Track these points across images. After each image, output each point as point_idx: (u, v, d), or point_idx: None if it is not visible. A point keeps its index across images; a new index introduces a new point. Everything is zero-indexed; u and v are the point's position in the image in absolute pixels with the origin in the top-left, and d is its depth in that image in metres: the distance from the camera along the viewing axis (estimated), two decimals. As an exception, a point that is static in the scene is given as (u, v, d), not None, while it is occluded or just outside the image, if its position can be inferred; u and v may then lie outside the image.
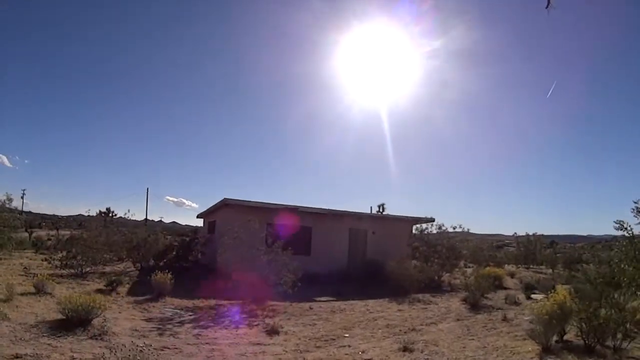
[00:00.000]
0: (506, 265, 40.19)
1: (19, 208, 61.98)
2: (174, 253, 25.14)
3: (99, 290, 16.00)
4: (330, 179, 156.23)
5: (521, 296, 19.32)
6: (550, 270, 39.29)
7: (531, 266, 43.90)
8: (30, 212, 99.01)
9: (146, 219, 69.64)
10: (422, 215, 28.78)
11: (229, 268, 19.10)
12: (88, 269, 20.50)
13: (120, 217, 39.11)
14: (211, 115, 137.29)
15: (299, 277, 17.33)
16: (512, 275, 29.49)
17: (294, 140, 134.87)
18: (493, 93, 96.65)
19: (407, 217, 29.29)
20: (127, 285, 18.23)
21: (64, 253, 21.02)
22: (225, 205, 24.92)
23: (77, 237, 23.25)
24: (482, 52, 78.02)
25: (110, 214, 55.31)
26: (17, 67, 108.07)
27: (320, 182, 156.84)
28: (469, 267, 33.74)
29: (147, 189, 69.62)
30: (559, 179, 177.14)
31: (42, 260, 22.29)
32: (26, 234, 41.14)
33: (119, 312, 13.04)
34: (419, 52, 52.28)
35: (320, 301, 17.50)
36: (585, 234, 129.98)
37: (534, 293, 19.94)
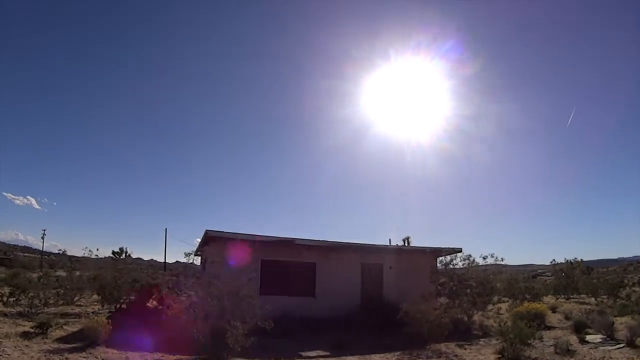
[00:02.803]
0: (544, 297, 35.98)
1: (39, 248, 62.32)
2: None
3: (24, 333, 14.20)
4: (346, 213, 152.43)
5: (573, 339, 15.01)
6: (592, 299, 35.37)
7: (571, 296, 39.59)
8: (50, 252, 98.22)
9: (165, 260, 67.05)
10: (447, 246, 24.51)
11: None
12: (51, 309, 19.05)
13: (136, 257, 36.49)
14: (239, 152, 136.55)
15: (299, 324, 15.55)
16: (553, 309, 25.12)
17: (315, 174, 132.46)
18: (522, 122, 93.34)
19: (429, 248, 25.14)
20: (68, 328, 15.68)
21: (7, 291, 19.28)
22: (211, 239, 21.42)
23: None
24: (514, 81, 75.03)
25: (124, 254, 52.41)
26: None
27: (336, 217, 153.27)
28: (503, 301, 29.89)
29: (166, 229, 66.88)
30: (585, 202, 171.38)
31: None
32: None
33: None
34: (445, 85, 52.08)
35: (306, 358, 14.18)
36: (615, 257, 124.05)
37: (588, 333, 15.82)
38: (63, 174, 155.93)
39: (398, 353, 14.26)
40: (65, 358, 11.76)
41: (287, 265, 22.25)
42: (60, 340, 14.00)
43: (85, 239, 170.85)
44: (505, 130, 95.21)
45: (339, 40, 71.01)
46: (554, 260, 49.98)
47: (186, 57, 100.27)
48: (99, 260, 28.87)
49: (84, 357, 12.03)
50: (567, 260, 43.57)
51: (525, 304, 22.34)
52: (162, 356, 12.78)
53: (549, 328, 18.44)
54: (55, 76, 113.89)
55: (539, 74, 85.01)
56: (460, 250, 23.52)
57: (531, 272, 77.58)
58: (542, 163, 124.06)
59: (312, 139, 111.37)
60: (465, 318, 20.32)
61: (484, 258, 22.89)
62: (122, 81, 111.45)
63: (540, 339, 14.55)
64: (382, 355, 14.05)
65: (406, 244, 34.58)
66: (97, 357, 12.16)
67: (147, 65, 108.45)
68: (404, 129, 77.07)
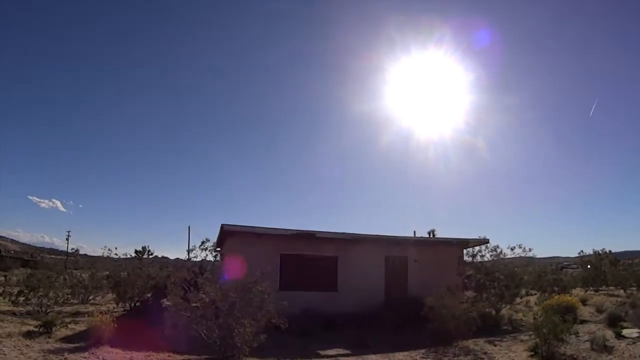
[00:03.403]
0: (572, 289, 34.90)
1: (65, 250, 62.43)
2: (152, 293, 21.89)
3: (28, 333, 13.76)
4: (369, 207, 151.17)
5: (609, 334, 13.98)
6: (622, 291, 34.16)
7: (600, 288, 38.43)
8: (77, 253, 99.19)
9: (188, 257, 66.56)
10: (474, 237, 23.74)
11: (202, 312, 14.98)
12: (65, 308, 18.78)
13: (162, 256, 36.25)
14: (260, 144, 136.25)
15: (321, 320, 15.05)
16: (584, 301, 24.12)
17: (336, 168, 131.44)
18: (546, 113, 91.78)
19: (455, 239, 24.41)
20: (75, 327, 15.19)
21: (15, 290, 18.80)
22: (228, 234, 20.82)
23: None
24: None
25: (146, 252, 52.13)
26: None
27: (358, 211, 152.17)
28: (531, 294, 28.96)
29: (189, 227, 66.30)
30: (610, 193, 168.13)
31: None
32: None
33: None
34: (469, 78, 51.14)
35: (324, 357, 13.42)
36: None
37: (623, 327, 14.79)
38: (88, 176, 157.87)
39: (423, 351, 13.55)
40: (65, 358, 11.28)
41: (307, 259, 21.74)
42: (65, 339, 13.61)
43: (112, 240, 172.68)
44: (530, 122, 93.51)
45: (360, 35, 70.11)
46: (581, 251, 48.61)
47: (205, 52, 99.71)
48: (119, 259, 28.68)
49: (85, 357, 11.55)
50: (595, 252, 42.38)
51: (555, 296, 21.43)
52: (169, 356, 12.30)
53: (581, 322, 17.34)
54: (75, 79, 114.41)
55: (562, 64, 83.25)
56: (487, 241, 22.74)
57: (557, 265, 76.31)
58: (566, 155, 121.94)
59: (334, 132, 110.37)
60: (493, 312, 19.51)
61: (512, 249, 22.08)
62: (144, 80, 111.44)
63: (576, 334, 13.51)
64: (406, 353, 13.34)
65: (432, 237, 33.75)
66: (99, 357, 11.67)
67: (165, 65, 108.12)
68: (427, 122, 75.93)
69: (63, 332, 14.48)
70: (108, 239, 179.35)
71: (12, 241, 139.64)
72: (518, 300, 21.93)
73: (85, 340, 13.01)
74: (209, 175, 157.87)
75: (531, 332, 13.56)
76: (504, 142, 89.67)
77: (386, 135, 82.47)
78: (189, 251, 32.26)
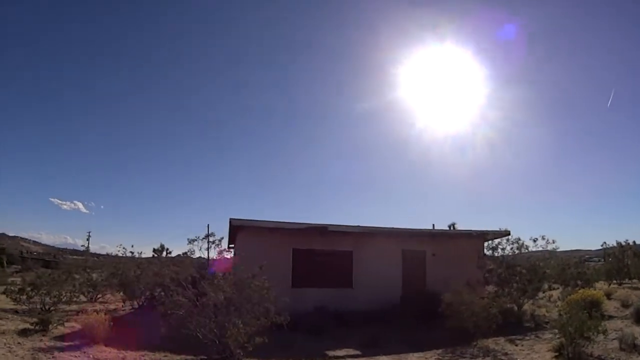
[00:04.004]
0: (595, 283, 33.92)
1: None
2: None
3: (23, 330, 13.48)
4: (386, 200, 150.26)
5: (637, 331, 12.93)
6: (644, 284, 32.80)
7: (623, 281, 37.40)
8: (99, 253, 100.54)
9: (208, 256, 66.41)
10: (494, 229, 22.75)
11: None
12: (64, 306, 18.60)
13: (180, 254, 35.87)
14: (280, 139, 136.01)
15: (335, 318, 14.72)
16: (608, 295, 23.10)
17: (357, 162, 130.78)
18: (567, 104, 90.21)
19: (475, 231, 23.44)
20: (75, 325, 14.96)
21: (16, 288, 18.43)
22: (239, 229, 20.25)
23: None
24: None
25: (164, 251, 51.77)
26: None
27: (375, 204, 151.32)
28: (554, 288, 28.11)
29: (208, 225, 65.96)
30: (633, 184, 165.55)
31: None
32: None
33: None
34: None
35: (332, 358, 12.84)
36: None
37: (653, 323, 13.74)
38: (109, 177, 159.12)
39: (439, 351, 12.83)
40: (54, 357, 10.95)
41: (321, 254, 21.05)
42: (60, 338, 13.29)
43: (134, 240, 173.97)
44: (550, 114, 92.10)
45: (376, 28, 69.03)
46: (604, 243, 47.39)
47: (218, 48, 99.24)
48: (136, 258, 28.50)
49: (76, 356, 11.17)
50: (618, 243, 41.25)
51: (580, 291, 20.55)
52: (165, 356, 11.87)
53: (607, 317, 16.34)
54: (96, 82, 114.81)
55: (588, 55, 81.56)
56: (508, 233, 21.78)
57: (580, 258, 75.17)
58: (587, 146, 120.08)
59: (351, 125, 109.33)
60: (515, 308, 18.72)
61: (534, 241, 21.18)
62: (168, 83, 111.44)
63: (605, 332, 12.52)
64: (420, 354, 12.66)
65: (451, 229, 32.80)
66: (90, 356, 11.32)
67: (182, 64, 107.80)
68: (446, 116, 74.91)
69: (61, 330, 14.22)
70: (130, 238, 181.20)
71: (35, 243, 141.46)
72: (540, 294, 21.14)
73: (82, 338, 12.77)
74: (229, 173, 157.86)
75: (555, 330, 12.59)
76: (523, 134, 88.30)
77: (403, 129, 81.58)
78: (208, 248, 31.65)
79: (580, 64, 75.98)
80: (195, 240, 14.89)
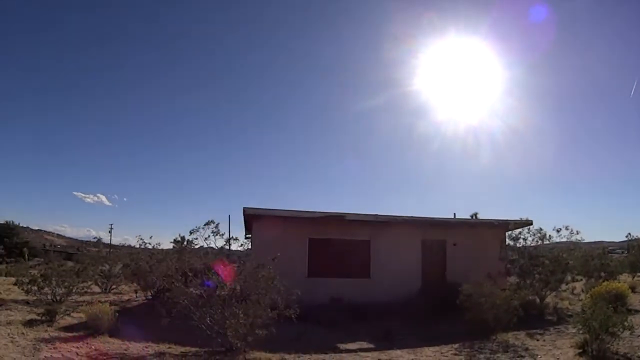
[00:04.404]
0: (619, 275, 33.07)
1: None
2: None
3: (30, 321, 13.55)
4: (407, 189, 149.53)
5: None
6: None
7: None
8: (122, 245, 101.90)
9: (230, 246, 66.40)
10: (516, 219, 21.94)
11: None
12: (77, 297, 18.76)
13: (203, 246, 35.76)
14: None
15: (351, 309, 14.46)
16: (632, 288, 22.28)
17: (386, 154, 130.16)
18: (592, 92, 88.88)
19: (497, 220, 22.69)
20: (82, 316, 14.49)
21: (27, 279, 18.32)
22: (254, 219, 19.82)
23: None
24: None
25: (185, 242, 51.59)
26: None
27: (394, 193, 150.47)
28: (577, 280, 27.39)
29: (229, 216, 65.77)
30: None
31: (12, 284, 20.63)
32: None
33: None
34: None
35: (344, 351, 12.20)
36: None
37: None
38: (132, 170, 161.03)
39: (456, 345, 12.26)
40: (55, 347, 10.82)
41: (338, 244, 20.68)
42: (66, 328, 13.33)
43: (156, 231, 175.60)
44: (574, 103, 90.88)
45: (398, 17, 68.23)
46: (629, 234, 46.36)
47: (237, 41, 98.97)
48: (156, 249, 28.33)
49: (77, 347, 11.02)
50: (643, 234, 40.24)
51: (604, 283, 19.82)
52: (169, 347, 11.60)
53: (632, 311, 15.55)
54: (118, 76, 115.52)
55: (616, 41, 79.99)
56: (530, 223, 21.09)
57: (604, 249, 74.16)
58: (610, 135, 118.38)
59: (374, 112, 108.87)
60: (537, 300, 18.12)
61: (558, 231, 20.47)
62: (191, 74, 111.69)
63: (631, 328, 11.75)
64: (436, 348, 12.14)
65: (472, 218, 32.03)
66: (92, 347, 11.18)
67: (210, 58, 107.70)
68: (468, 104, 74.07)
69: (68, 320, 14.28)
70: (153, 230, 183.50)
71: (59, 236, 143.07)
72: (563, 286, 20.40)
73: (86, 329, 12.71)
74: (249, 164, 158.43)
75: (579, 325, 11.69)
76: (546, 123, 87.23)
77: (424, 120, 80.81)
78: (229, 240, 31.46)
79: (606, 51, 74.54)
80: (198, 230, 14.56)
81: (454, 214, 26.79)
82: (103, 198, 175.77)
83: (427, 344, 12.51)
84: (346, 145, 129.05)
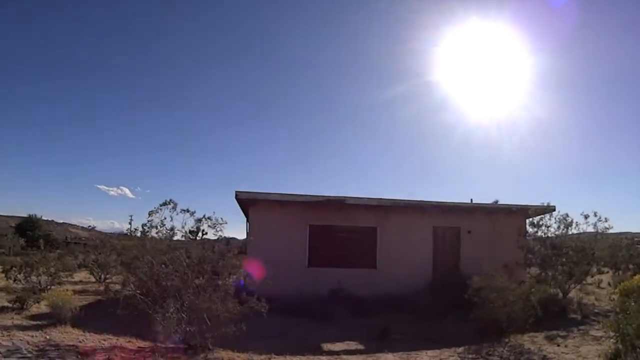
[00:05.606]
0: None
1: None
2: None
3: (1, 308, 14.08)
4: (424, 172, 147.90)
5: None
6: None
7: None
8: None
9: (248, 236, 66.10)
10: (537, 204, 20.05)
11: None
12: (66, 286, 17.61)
13: (222, 236, 35.27)
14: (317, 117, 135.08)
15: (353, 302, 14.07)
16: (665, 283, 20.65)
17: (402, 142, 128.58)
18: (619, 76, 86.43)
19: (516, 205, 20.74)
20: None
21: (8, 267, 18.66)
22: (249, 204, 18.60)
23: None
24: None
25: (200, 232, 51.25)
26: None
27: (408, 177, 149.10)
28: (602, 272, 25.73)
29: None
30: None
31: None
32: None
33: None
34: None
35: (325, 353, 10.77)
36: None
37: None
38: (154, 162, 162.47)
39: (460, 350, 10.60)
40: (9, 335, 10.54)
41: (341, 230, 19.26)
42: (33, 317, 13.17)
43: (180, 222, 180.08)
44: (602, 88, 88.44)
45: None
46: (657, 223, 44.51)
47: (255, 35, 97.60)
48: (172, 240, 27.58)
49: (32, 336, 10.55)
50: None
51: (635, 277, 18.12)
52: (128, 341, 10.68)
53: None
54: (140, 78, 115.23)
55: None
56: (553, 209, 19.24)
57: (631, 239, 72.17)
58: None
59: (389, 106, 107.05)
60: (560, 294, 16.59)
61: (586, 217, 18.69)
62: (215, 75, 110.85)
63: None
64: (436, 352, 10.51)
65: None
66: (47, 336, 10.66)
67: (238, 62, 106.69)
68: (491, 92, 72.21)
69: (41, 309, 14.11)
70: (176, 222, 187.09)
71: (83, 229, 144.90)
72: (589, 279, 18.79)
73: (50, 318, 12.27)
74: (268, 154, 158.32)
75: (609, 331, 9.81)
76: (571, 110, 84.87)
77: (446, 112, 79.11)
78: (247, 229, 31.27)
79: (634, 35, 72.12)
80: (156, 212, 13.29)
81: (471, 199, 24.91)
82: (126, 190, 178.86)
83: (427, 346, 10.90)
84: (371, 135, 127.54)
